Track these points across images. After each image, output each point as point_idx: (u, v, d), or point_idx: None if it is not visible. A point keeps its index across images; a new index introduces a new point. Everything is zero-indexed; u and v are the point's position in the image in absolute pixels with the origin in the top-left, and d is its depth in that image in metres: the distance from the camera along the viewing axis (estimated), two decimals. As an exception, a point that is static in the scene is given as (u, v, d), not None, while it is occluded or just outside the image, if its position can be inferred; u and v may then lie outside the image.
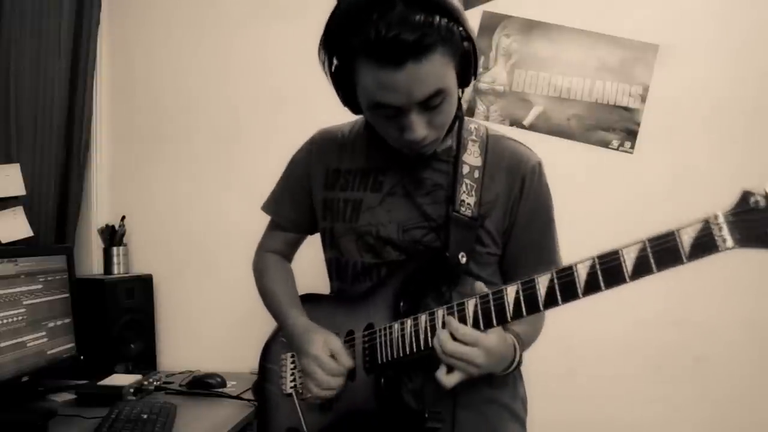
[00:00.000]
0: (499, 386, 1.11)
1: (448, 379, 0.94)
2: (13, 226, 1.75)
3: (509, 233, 1.09)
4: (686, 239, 0.74)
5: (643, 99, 1.90)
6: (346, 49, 0.92)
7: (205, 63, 2.12)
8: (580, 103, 1.94)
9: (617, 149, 1.92)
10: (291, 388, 1.15)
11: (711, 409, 1.85)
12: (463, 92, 1.02)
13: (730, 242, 0.71)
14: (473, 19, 1.95)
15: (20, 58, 1.79)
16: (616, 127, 1.92)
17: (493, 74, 1.98)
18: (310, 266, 1.30)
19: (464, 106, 1.95)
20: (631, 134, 1.91)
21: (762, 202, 0.69)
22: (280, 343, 1.22)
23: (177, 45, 2.14)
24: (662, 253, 0.75)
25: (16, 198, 1.76)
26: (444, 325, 0.95)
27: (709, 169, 1.83)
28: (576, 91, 1.94)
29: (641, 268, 0.77)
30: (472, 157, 1.07)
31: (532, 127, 1.95)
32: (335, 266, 1.16)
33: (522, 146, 1.13)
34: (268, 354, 1.25)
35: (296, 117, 2.05)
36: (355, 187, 1.12)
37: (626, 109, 1.91)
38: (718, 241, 0.72)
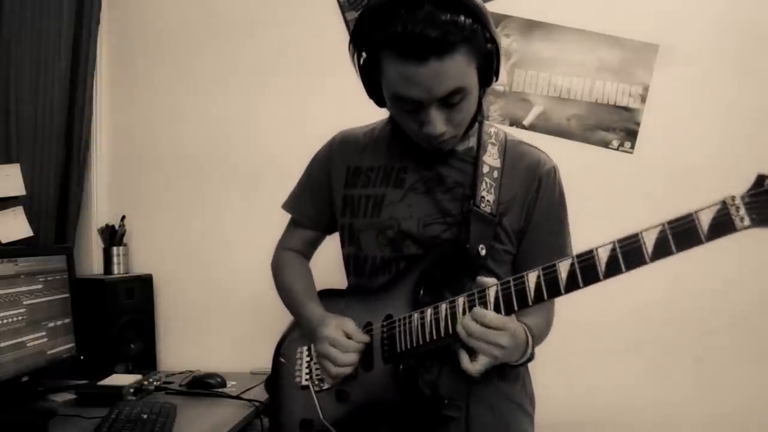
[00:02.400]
0: (510, 380, 1.12)
1: (474, 366, 0.95)
2: (13, 226, 1.75)
3: (524, 233, 1.12)
4: (705, 219, 0.77)
5: (643, 99, 1.90)
6: (374, 43, 0.96)
7: (205, 62, 2.12)
8: (580, 103, 1.94)
9: (617, 149, 1.92)
10: (306, 380, 1.15)
11: (711, 409, 1.84)
12: (484, 92, 1.05)
13: (747, 221, 0.75)
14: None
15: (20, 58, 1.79)
16: (616, 127, 1.92)
17: (493, 74, 1.98)
18: (328, 263, 1.30)
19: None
20: (631, 134, 1.91)
21: None
22: (295, 337, 1.23)
23: (177, 44, 2.14)
24: (682, 234, 0.79)
25: (16, 198, 1.76)
26: (465, 312, 0.96)
27: (709, 169, 1.83)
28: (576, 91, 1.94)
29: (661, 250, 0.80)
30: (491, 158, 1.11)
31: (532, 127, 1.95)
32: (353, 261, 1.18)
33: (539, 151, 1.16)
34: (282, 349, 1.26)
35: (297, 116, 2.05)
36: (377, 183, 1.14)
37: (626, 109, 1.91)
38: (736, 221, 0.75)
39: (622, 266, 0.83)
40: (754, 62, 1.85)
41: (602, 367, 1.90)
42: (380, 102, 1.06)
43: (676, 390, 1.87)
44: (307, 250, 1.34)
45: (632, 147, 1.91)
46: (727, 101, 1.86)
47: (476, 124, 1.13)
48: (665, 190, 1.85)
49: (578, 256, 0.87)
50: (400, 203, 1.11)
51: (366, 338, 1.07)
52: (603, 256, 0.84)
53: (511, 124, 1.96)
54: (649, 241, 0.81)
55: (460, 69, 0.93)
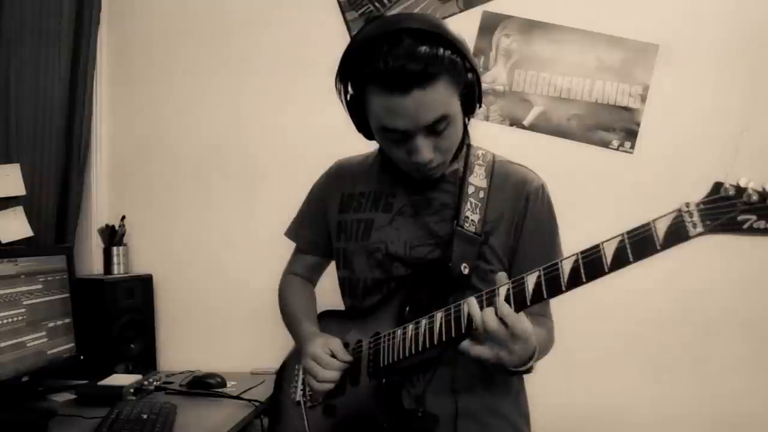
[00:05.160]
0: (500, 395, 1.12)
1: (474, 349, 0.93)
2: (13, 226, 1.75)
3: (515, 251, 1.13)
4: (661, 228, 0.78)
5: (643, 99, 1.90)
6: (358, 78, 1.00)
7: (205, 63, 2.12)
8: (580, 103, 1.94)
9: (617, 149, 1.92)
10: (300, 396, 1.19)
11: (711, 409, 1.84)
12: (469, 120, 1.09)
13: (699, 228, 0.75)
14: (473, 19, 1.96)
15: (20, 58, 1.79)
16: (616, 127, 1.92)
17: (493, 74, 1.98)
18: (333, 286, 1.31)
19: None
20: (631, 134, 1.91)
21: (731, 191, 0.74)
22: (297, 355, 1.26)
23: (177, 45, 2.14)
24: (638, 243, 0.80)
25: (16, 198, 1.76)
26: (442, 327, 0.97)
27: (709, 170, 1.82)
28: (576, 91, 1.94)
29: (619, 260, 0.81)
30: (477, 179, 1.13)
31: (532, 127, 1.95)
32: (347, 284, 1.21)
33: (526, 169, 1.18)
34: (285, 369, 1.30)
35: (296, 118, 2.05)
36: (367, 208, 1.18)
37: (626, 109, 1.91)
38: (688, 228, 0.76)
39: (583, 277, 0.84)
40: (755, 62, 1.85)
41: (602, 367, 1.90)
42: (368, 135, 1.10)
43: (676, 390, 1.87)
44: (311, 275, 1.39)
45: (632, 147, 1.91)
46: (727, 101, 1.85)
47: (464, 149, 1.16)
48: (665, 190, 1.84)
49: (544, 268, 0.88)
50: (389, 227, 1.14)
51: (349, 358, 1.10)
52: (566, 267, 0.86)
53: (511, 124, 1.96)
54: (609, 252, 0.82)
55: (442, 97, 0.96)
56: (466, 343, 0.94)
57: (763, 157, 1.80)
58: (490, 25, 1.97)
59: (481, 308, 0.93)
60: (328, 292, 1.35)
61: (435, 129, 0.99)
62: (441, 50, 0.94)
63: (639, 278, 1.81)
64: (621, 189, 1.89)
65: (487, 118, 1.97)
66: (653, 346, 1.87)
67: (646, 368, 1.88)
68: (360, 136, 1.13)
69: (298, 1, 2.05)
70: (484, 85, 1.93)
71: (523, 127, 1.95)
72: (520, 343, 0.91)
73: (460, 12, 1.97)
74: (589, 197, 1.86)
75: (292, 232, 1.36)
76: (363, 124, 1.07)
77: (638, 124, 1.90)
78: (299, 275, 1.37)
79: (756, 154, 1.81)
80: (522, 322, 0.90)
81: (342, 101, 1.07)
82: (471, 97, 1.03)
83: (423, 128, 0.98)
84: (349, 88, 1.04)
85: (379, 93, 0.96)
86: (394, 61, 0.92)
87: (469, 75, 1.01)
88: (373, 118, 1.02)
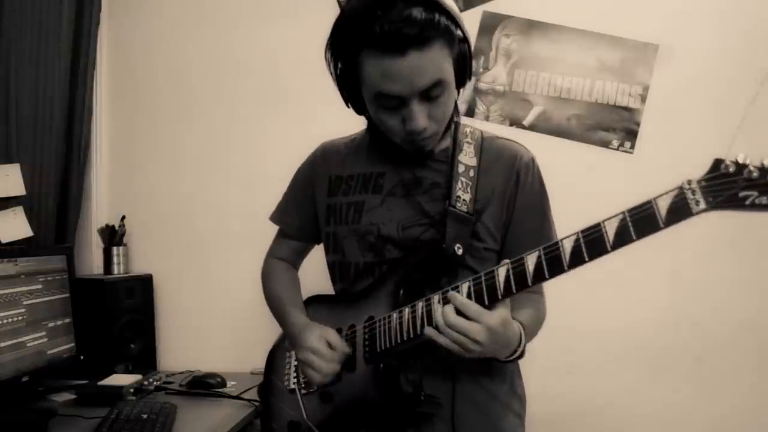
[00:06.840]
0: (497, 381, 1.12)
1: (439, 337, 0.93)
2: (13, 226, 1.75)
3: (508, 226, 1.13)
4: (662, 205, 0.80)
5: (643, 99, 1.90)
6: (352, 46, 0.98)
7: (205, 63, 2.12)
8: (580, 103, 1.94)
9: (617, 149, 1.92)
10: (294, 383, 1.18)
11: (711, 410, 1.85)
12: (459, 94, 1.07)
13: (702, 205, 0.76)
14: (473, 19, 1.95)
15: (20, 57, 1.79)
16: (616, 127, 1.92)
17: (493, 74, 1.98)
18: (318, 270, 1.31)
19: (463, 107, 1.95)
20: (631, 134, 1.91)
21: (732, 168, 0.75)
22: (286, 343, 1.25)
23: (177, 45, 2.14)
24: (641, 220, 0.81)
25: (16, 198, 1.76)
26: (444, 303, 0.96)
27: (709, 169, 1.82)
28: (576, 91, 1.94)
29: (622, 238, 0.82)
30: (467, 157, 1.12)
31: (532, 127, 1.95)
32: (338, 268, 1.19)
33: (515, 144, 1.17)
34: (274, 356, 1.28)
35: (296, 116, 2.06)
36: (357, 190, 1.16)
37: (626, 109, 1.91)
38: (691, 204, 0.77)
39: (585, 256, 0.84)
40: (754, 62, 1.85)
41: (603, 368, 1.90)
42: (359, 109, 1.09)
43: (677, 390, 1.87)
44: (295, 259, 1.36)
45: (632, 147, 1.91)
46: (727, 101, 1.85)
47: (453, 125, 1.15)
48: (665, 190, 1.84)
49: (545, 248, 0.88)
50: (380, 208, 1.13)
51: (348, 350, 1.09)
52: (567, 246, 0.86)
53: (511, 124, 1.96)
54: (610, 230, 0.83)
55: (438, 61, 0.96)
56: (431, 330, 0.94)
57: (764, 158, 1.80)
58: (490, 25, 1.97)
59: (479, 291, 0.93)
60: (309, 278, 1.34)
61: (430, 95, 0.98)
62: (436, 15, 0.94)
63: (639, 278, 1.82)
64: (621, 189, 1.88)
65: (487, 118, 1.97)
66: (653, 346, 1.87)
67: (646, 368, 1.88)
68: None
69: (298, 1, 2.05)
70: (484, 85, 1.97)
71: (523, 127, 1.95)
72: (489, 335, 0.90)
73: (460, 12, 1.97)
74: (589, 197, 1.85)
75: (277, 217, 1.33)
76: (353, 96, 1.06)
77: (638, 124, 1.90)
78: (283, 260, 1.35)
79: (759, 155, 1.81)
80: (483, 316, 0.90)
81: (332, 73, 1.06)
82: (463, 69, 1.02)
83: (418, 94, 0.96)
84: (340, 59, 1.03)
85: (375, 56, 0.95)
86: (389, 25, 0.91)
87: (462, 46, 1.00)
88: (367, 85, 1.00)
